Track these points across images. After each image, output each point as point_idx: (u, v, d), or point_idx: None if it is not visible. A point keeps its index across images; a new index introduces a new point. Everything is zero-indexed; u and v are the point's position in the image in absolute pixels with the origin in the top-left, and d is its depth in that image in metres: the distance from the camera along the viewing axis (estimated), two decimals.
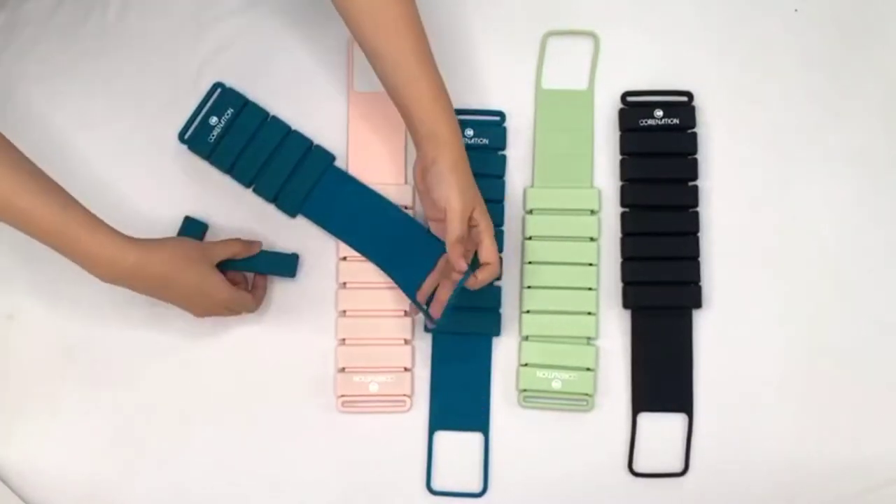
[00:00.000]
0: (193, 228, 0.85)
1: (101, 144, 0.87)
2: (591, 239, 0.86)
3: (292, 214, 0.86)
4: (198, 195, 0.87)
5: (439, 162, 0.74)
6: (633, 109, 0.88)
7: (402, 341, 0.85)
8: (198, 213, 0.86)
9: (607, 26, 0.90)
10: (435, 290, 0.81)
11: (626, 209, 0.87)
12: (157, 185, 0.87)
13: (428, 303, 0.81)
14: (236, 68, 0.89)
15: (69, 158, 0.87)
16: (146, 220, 0.85)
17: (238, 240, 0.84)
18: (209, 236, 0.86)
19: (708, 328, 0.85)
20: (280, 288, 0.86)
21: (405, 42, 0.75)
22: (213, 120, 0.86)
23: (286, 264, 0.85)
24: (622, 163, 0.87)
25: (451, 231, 0.74)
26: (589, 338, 0.85)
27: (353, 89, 0.89)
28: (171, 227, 0.86)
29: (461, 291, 0.77)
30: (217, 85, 0.87)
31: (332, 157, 0.87)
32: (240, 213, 0.86)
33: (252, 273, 0.85)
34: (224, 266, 0.82)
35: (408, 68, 0.75)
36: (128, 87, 0.89)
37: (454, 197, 0.74)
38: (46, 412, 0.84)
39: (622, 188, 0.87)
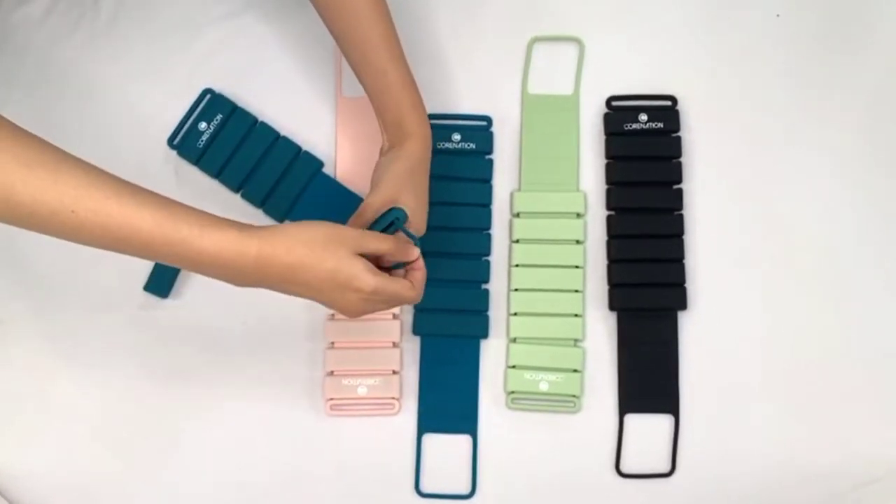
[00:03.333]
0: None
1: (91, 149, 0.87)
2: (578, 242, 0.87)
3: (280, 220, 0.87)
4: (185, 200, 0.86)
5: (397, 150, 0.75)
6: (618, 114, 0.89)
7: (391, 344, 0.85)
8: None
9: (592, 32, 0.91)
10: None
11: (612, 212, 0.88)
12: (141, 182, 0.87)
13: None
14: (225, 74, 0.90)
15: None
16: None
17: (394, 238, 0.71)
18: None
19: (693, 329, 0.86)
20: (268, 291, 0.86)
21: (377, 29, 0.75)
22: (202, 125, 0.87)
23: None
24: (607, 166, 0.88)
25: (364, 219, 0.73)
26: (576, 340, 0.86)
27: (340, 95, 0.90)
28: None
29: None
30: (206, 91, 0.88)
31: (319, 164, 0.88)
32: (228, 215, 0.86)
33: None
34: None
35: (378, 56, 0.76)
36: (118, 92, 0.89)
37: (393, 188, 0.73)
38: (36, 415, 0.84)
39: (608, 191, 0.88)
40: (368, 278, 0.67)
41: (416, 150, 0.76)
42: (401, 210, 0.72)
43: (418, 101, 0.78)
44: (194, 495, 0.83)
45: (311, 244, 0.65)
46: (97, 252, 0.84)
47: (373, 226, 0.73)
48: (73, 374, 0.85)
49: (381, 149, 0.79)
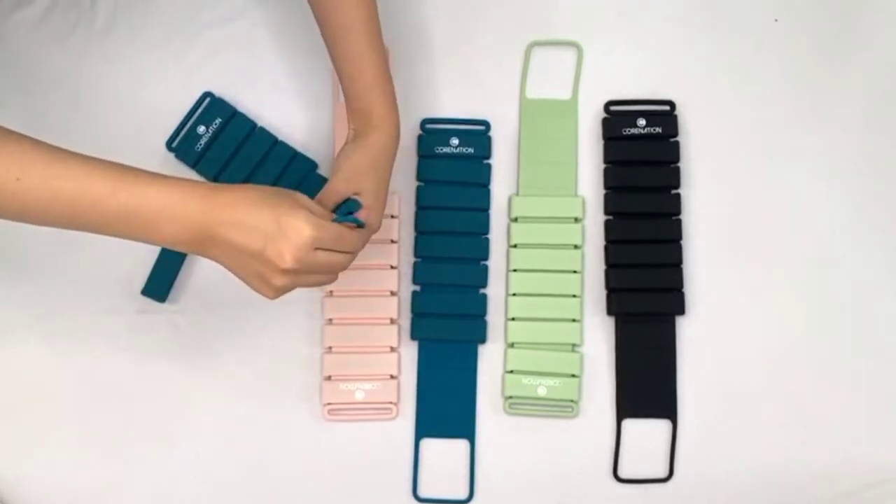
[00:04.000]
0: None
1: (88, 151, 0.87)
2: (576, 246, 0.87)
3: None
4: None
5: (362, 140, 0.75)
6: (617, 118, 0.89)
7: (388, 349, 0.85)
8: None
9: (591, 37, 0.91)
10: None
11: (610, 217, 0.88)
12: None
13: None
14: (223, 77, 0.89)
15: None
16: None
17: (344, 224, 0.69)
18: None
19: (691, 334, 0.86)
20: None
21: (358, 14, 0.75)
22: (201, 129, 0.87)
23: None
24: (606, 171, 0.88)
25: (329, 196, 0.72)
26: (574, 345, 0.86)
27: (338, 99, 0.89)
28: None
29: None
30: (206, 94, 0.88)
31: (314, 165, 0.87)
32: None
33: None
34: None
35: (356, 41, 0.75)
36: (115, 94, 0.89)
37: (350, 174, 0.73)
38: (34, 418, 0.84)
39: (606, 196, 0.88)
40: (308, 216, 0.64)
41: (382, 143, 0.76)
42: (355, 202, 0.72)
43: (391, 93, 0.77)
44: (192, 499, 0.83)
45: (263, 190, 0.66)
46: (96, 255, 0.86)
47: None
48: (70, 377, 0.85)
49: (347, 137, 0.78)
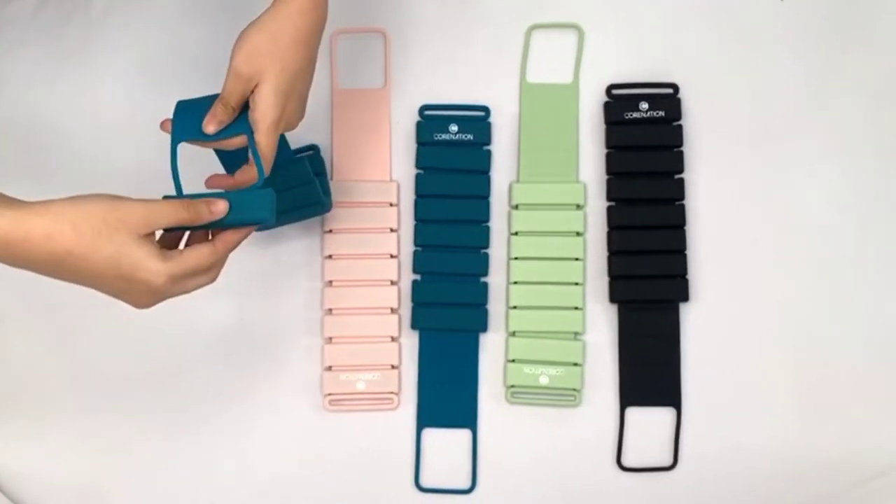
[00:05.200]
0: None
1: (86, 145, 0.87)
2: (577, 233, 0.86)
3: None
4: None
5: (265, 11, 0.65)
6: (619, 102, 0.87)
7: (389, 339, 0.85)
8: None
9: (592, 19, 0.89)
10: None
11: (612, 203, 0.86)
12: (137, 182, 0.86)
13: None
14: (222, 66, 0.88)
15: (54, 159, 0.87)
16: None
17: (184, 202, 0.61)
18: None
19: (695, 321, 0.85)
20: (265, 287, 0.86)
21: None
22: None
23: (258, 205, 0.64)
24: (608, 156, 0.87)
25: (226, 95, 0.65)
26: (576, 333, 0.85)
27: (336, 86, 0.89)
28: None
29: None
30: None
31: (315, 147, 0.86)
32: None
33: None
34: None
35: None
36: (112, 86, 0.88)
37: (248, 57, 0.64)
38: (34, 413, 0.84)
39: (608, 182, 0.87)
40: (156, 267, 0.58)
41: (287, 14, 0.64)
42: (269, 208, 0.64)
43: None
44: (193, 491, 0.83)
45: (81, 227, 0.56)
46: None
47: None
48: (70, 370, 0.85)
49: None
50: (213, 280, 0.65)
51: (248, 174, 0.68)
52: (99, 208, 0.57)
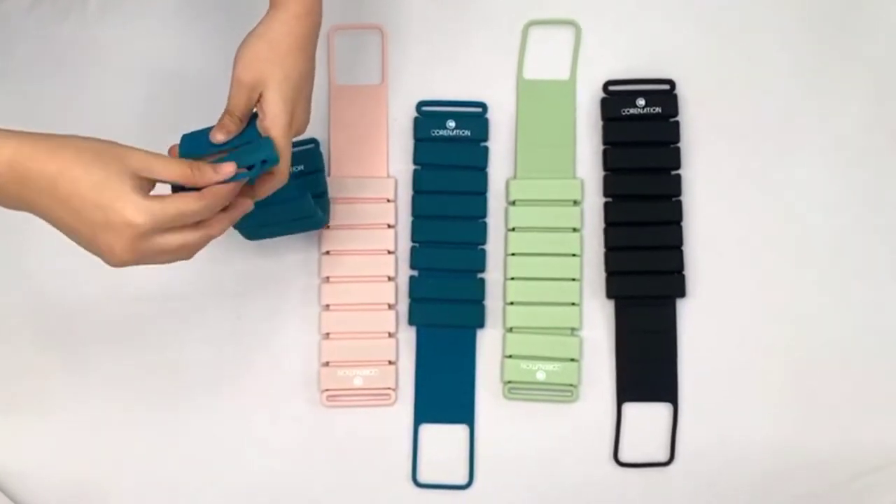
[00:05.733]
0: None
1: None
2: (574, 229, 0.86)
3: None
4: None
5: (262, 21, 0.65)
6: (615, 99, 0.87)
7: (386, 335, 0.85)
8: None
9: (589, 15, 0.89)
10: None
11: (609, 199, 0.86)
12: None
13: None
14: (219, 62, 0.88)
15: None
16: None
17: (190, 161, 0.60)
18: None
19: (692, 317, 0.85)
20: (262, 283, 0.86)
21: None
22: None
23: (259, 152, 0.63)
24: (605, 152, 0.87)
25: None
26: (573, 328, 0.85)
27: (334, 83, 0.89)
28: None
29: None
30: None
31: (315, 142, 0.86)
32: None
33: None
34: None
35: None
36: (110, 81, 0.88)
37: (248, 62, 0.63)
38: (32, 411, 0.84)
39: (605, 178, 0.87)
40: (138, 201, 0.56)
41: (284, 21, 0.65)
42: (270, 149, 0.63)
43: None
44: (191, 488, 0.83)
45: (80, 150, 0.56)
46: None
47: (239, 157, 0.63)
48: (68, 367, 0.85)
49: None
50: (196, 244, 0.61)
51: (267, 183, 0.66)
52: (104, 143, 0.58)
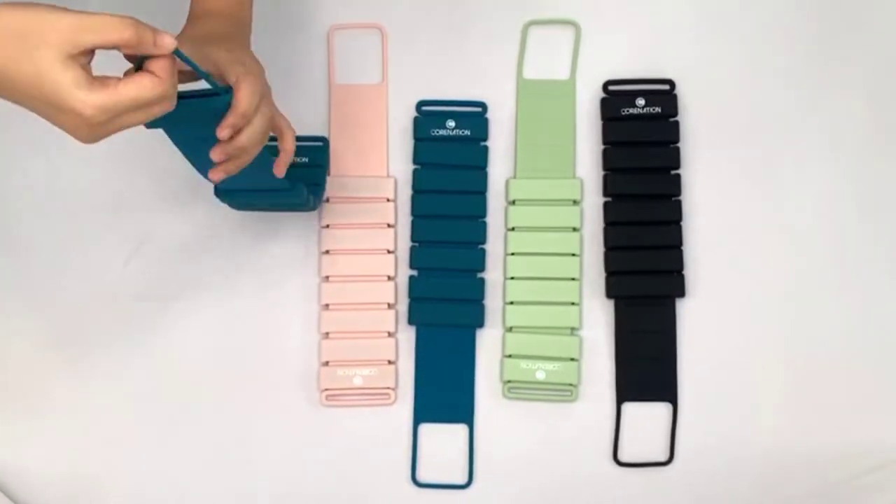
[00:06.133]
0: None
1: None
2: (574, 229, 0.86)
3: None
4: (179, 183, 0.86)
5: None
6: (615, 98, 0.87)
7: (386, 334, 0.85)
8: (174, 201, 0.86)
9: (589, 15, 0.89)
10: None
11: (609, 199, 0.86)
12: (134, 167, 0.86)
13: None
14: None
15: (52, 147, 0.86)
16: (120, 206, 0.86)
17: (129, 19, 0.52)
18: None
19: (692, 317, 0.85)
20: (262, 282, 0.86)
21: None
22: None
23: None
24: (604, 152, 0.87)
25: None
26: (572, 328, 0.85)
27: (334, 82, 0.89)
28: (156, 218, 0.86)
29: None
30: None
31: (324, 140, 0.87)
32: (220, 206, 0.86)
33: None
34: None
35: None
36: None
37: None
38: (33, 409, 0.84)
39: (605, 178, 0.87)
40: (83, 96, 0.50)
41: (210, 24, 0.67)
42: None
43: None
44: (190, 485, 0.83)
45: (4, 37, 0.49)
46: (93, 243, 0.85)
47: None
48: (68, 365, 0.85)
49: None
50: (167, 108, 0.55)
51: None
52: (18, 18, 0.50)
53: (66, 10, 0.51)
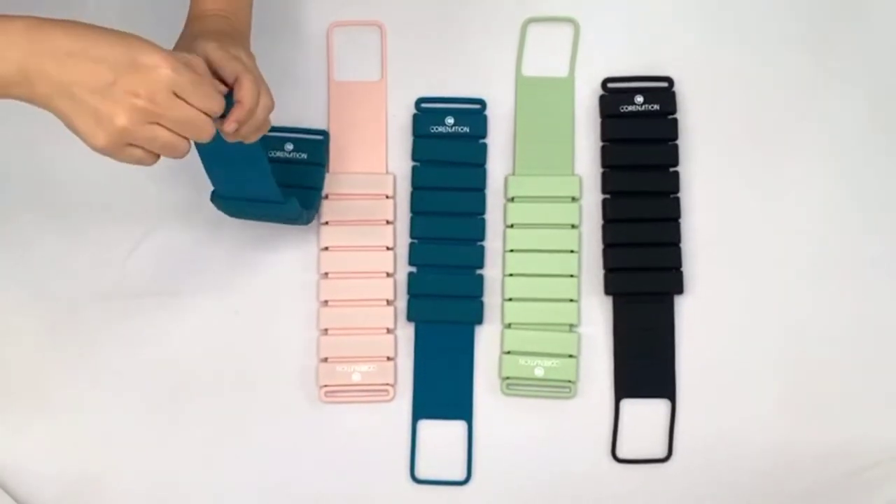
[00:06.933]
0: None
1: None
2: (573, 226, 0.86)
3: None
4: (180, 184, 0.86)
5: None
6: (614, 96, 0.88)
7: (385, 330, 0.85)
8: (173, 197, 0.86)
9: (588, 12, 0.89)
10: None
11: (608, 196, 0.87)
12: (132, 170, 0.86)
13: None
14: None
15: (52, 146, 0.86)
16: (120, 205, 0.86)
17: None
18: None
19: (690, 313, 0.85)
20: (261, 278, 0.86)
21: None
22: None
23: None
24: (603, 149, 0.87)
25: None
26: (571, 325, 0.85)
27: (333, 79, 0.89)
28: (155, 217, 0.87)
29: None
30: None
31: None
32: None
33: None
34: None
35: None
36: None
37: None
38: (31, 406, 0.84)
39: (603, 175, 0.87)
40: (164, 54, 0.58)
41: (198, 21, 0.71)
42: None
43: None
44: (189, 482, 0.83)
45: (92, 25, 0.58)
46: (92, 241, 0.85)
47: None
48: (67, 362, 0.85)
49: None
50: (184, 146, 0.62)
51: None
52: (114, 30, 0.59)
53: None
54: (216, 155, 0.72)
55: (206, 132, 0.62)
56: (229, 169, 0.74)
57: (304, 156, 0.85)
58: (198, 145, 0.70)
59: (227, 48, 0.67)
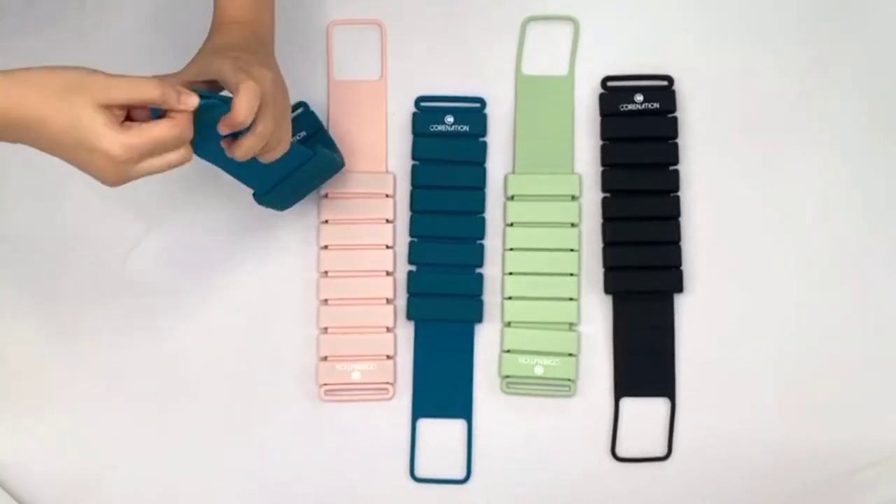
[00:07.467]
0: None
1: None
2: (572, 225, 0.86)
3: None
4: (183, 180, 0.85)
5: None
6: (614, 94, 0.87)
7: (385, 329, 0.85)
8: (174, 196, 0.86)
9: (587, 11, 0.89)
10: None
11: (607, 194, 0.87)
12: None
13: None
14: None
15: None
16: (119, 203, 0.86)
17: (157, 80, 0.60)
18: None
19: (690, 312, 0.85)
20: (261, 277, 0.86)
21: None
22: None
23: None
24: (603, 148, 0.87)
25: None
26: (571, 323, 0.85)
27: (332, 78, 0.89)
28: (155, 215, 0.87)
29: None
30: None
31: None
32: (218, 201, 0.86)
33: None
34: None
35: None
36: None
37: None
38: (31, 404, 0.84)
39: (603, 173, 0.87)
40: (112, 136, 0.58)
41: (224, 31, 0.71)
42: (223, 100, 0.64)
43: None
44: (188, 481, 0.83)
45: (46, 92, 0.58)
46: (92, 240, 0.85)
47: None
48: (66, 360, 0.85)
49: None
50: (185, 157, 0.63)
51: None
52: (63, 76, 0.59)
53: (100, 71, 0.60)
54: (230, 161, 0.71)
55: (186, 161, 0.63)
56: (250, 162, 0.72)
57: (304, 133, 0.85)
58: (211, 160, 0.73)
59: (241, 66, 0.67)
